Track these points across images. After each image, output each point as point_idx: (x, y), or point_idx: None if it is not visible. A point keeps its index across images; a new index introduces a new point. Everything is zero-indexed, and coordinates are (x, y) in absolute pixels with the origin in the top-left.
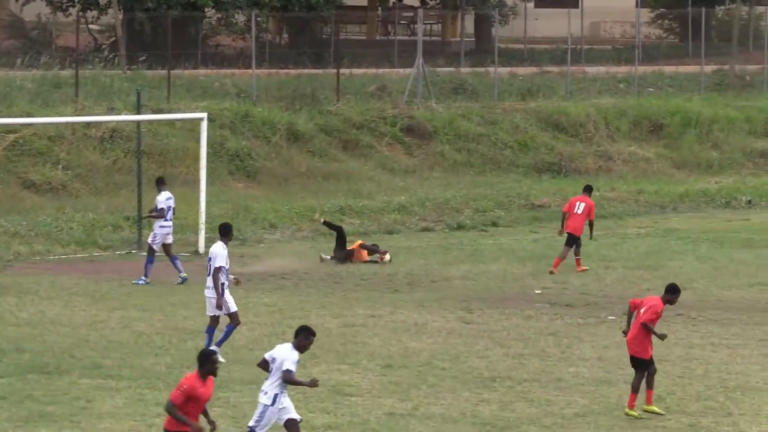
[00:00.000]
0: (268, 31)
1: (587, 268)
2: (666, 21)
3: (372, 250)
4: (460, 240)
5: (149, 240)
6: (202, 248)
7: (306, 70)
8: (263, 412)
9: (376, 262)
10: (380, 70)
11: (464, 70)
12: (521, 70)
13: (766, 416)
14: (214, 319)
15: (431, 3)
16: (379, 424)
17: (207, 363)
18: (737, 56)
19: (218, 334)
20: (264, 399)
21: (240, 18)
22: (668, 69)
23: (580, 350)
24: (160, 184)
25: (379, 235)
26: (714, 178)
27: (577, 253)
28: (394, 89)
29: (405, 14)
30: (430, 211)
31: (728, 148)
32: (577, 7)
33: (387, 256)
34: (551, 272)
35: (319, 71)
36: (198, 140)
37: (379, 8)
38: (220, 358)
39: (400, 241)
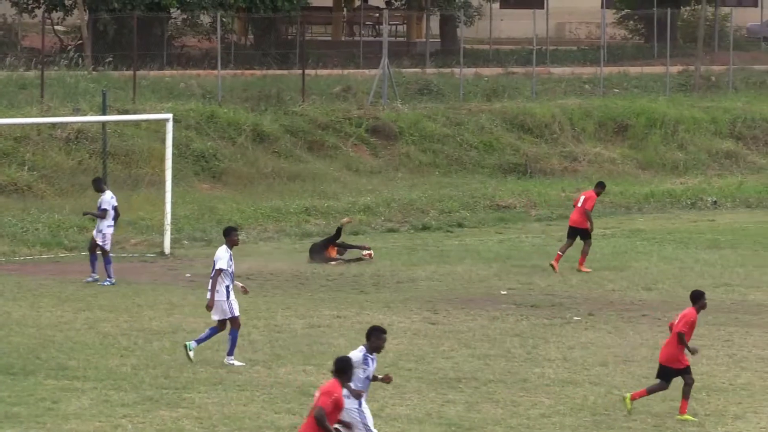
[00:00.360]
0: (234, 31)
1: (589, 270)
2: (631, 22)
3: (351, 247)
4: (426, 241)
5: (100, 242)
6: (167, 249)
7: (271, 71)
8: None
9: (343, 259)
10: (345, 71)
11: (429, 71)
12: (486, 71)
13: (731, 417)
14: (221, 323)
15: (396, 4)
16: None
17: (348, 369)
18: (702, 57)
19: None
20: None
21: (205, 19)
22: (633, 70)
23: (546, 351)
24: (100, 183)
25: (344, 236)
26: (679, 179)
27: (583, 252)
28: (359, 90)
29: (370, 15)
30: (395, 212)
31: (693, 149)
32: (542, 7)
33: (370, 252)
34: (551, 265)
35: (285, 72)
36: (163, 141)
37: (345, 9)
38: (237, 363)
39: (365, 242)
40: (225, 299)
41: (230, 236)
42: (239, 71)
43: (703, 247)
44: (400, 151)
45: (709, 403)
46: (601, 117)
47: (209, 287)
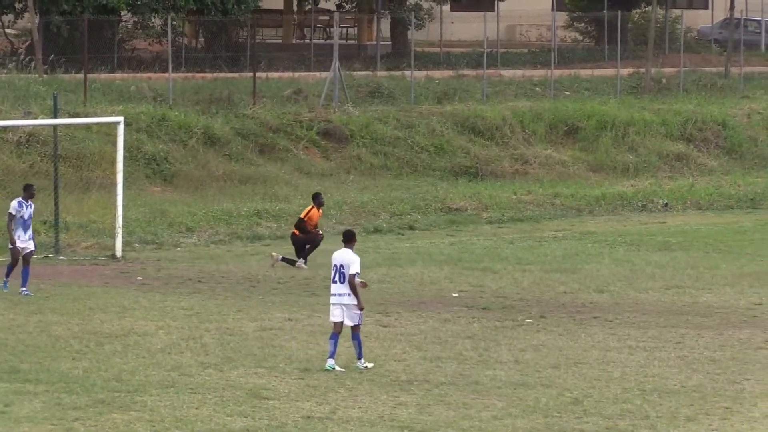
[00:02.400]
0: (184, 34)
1: None
2: (582, 24)
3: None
4: (377, 243)
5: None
6: (119, 252)
7: (222, 74)
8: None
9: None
10: (296, 74)
11: (380, 73)
12: (437, 74)
13: (683, 419)
14: (338, 325)
15: (347, 7)
16: (296, 427)
17: None
18: (653, 59)
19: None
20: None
21: (156, 22)
22: (584, 72)
23: (498, 353)
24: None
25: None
26: (630, 181)
27: None
28: (310, 93)
29: (321, 18)
30: (346, 214)
31: (644, 151)
32: (493, 10)
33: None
34: None
35: (236, 75)
36: (114, 144)
37: (295, 12)
38: (367, 365)
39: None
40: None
41: (353, 239)
42: (190, 74)
43: (654, 249)
44: (351, 153)
45: (660, 405)
46: (551, 119)
47: (355, 292)
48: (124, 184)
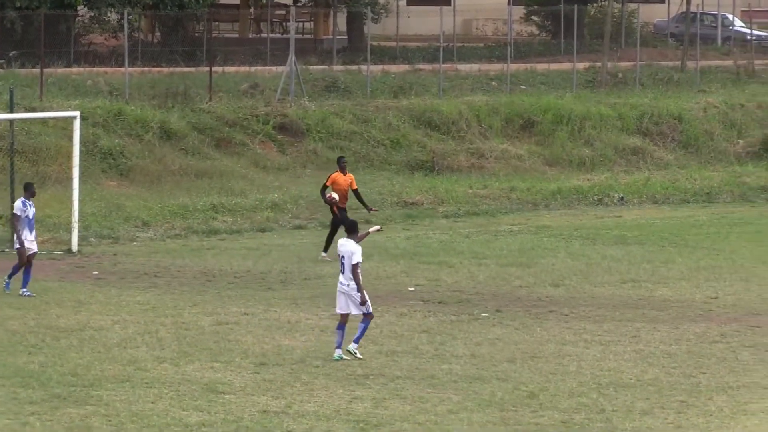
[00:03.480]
0: (141, 29)
1: None
2: (538, 19)
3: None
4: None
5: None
6: (75, 247)
7: (179, 68)
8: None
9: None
10: (253, 68)
11: (337, 68)
12: (394, 68)
13: (638, 412)
14: (344, 317)
15: (303, 1)
16: (252, 421)
17: None
18: (609, 53)
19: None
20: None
21: (113, 16)
22: (540, 66)
23: (453, 347)
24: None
25: (252, 233)
26: (586, 176)
27: None
28: (266, 87)
29: (277, 12)
30: (303, 208)
31: (600, 146)
32: (449, 4)
33: None
34: None
35: (192, 69)
36: (71, 139)
37: (252, 6)
38: (358, 355)
39: (272, 238)
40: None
41: (355, 229)
42: (146, 68)
43: (610, 243)
44: (307, 148)
45: (616, 399)
46: (508, 114)
47: (358, 283)
48: (80, 178)
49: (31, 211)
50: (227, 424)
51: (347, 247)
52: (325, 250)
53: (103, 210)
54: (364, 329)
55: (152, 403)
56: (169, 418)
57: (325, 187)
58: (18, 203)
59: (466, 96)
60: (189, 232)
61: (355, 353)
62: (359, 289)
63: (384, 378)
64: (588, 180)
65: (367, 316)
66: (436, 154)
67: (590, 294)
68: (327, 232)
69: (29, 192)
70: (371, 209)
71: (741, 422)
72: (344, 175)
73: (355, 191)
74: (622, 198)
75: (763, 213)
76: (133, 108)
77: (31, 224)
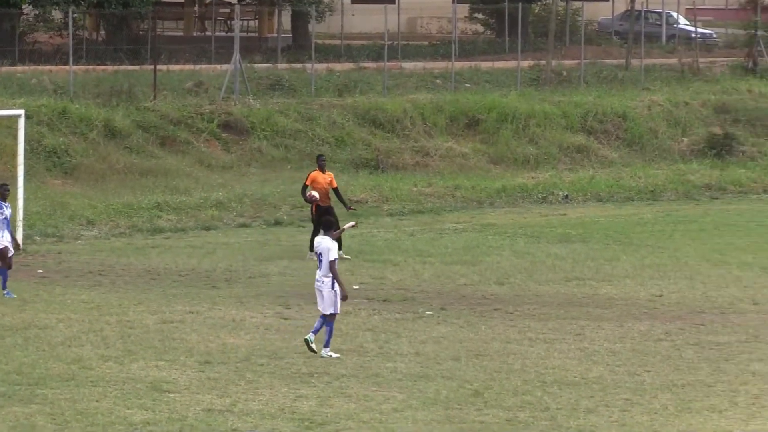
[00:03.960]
0: (86, 27)
1: None
2: (483, 16)
3: None
4: (278, 236)
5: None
6: (19, 245)
7: (123, 67)
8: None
9: None
10: (197, 67)
11: (281, 66)
12: (338, 66)
13: (583, 410)
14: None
15: None
16: (197, 420)
17: None
18: (554, 51)
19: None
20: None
21: (57, 15)
22: (485, 65)
23: (398, 345)
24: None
25: (197, 231)
26: (531, 174)
27: None
28: (211, 85)
29: (222, 10)
30: (247, 207)
31: (545, 144)
32: (393, 3)
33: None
34: None
35: (137, 68)
36: (15, 137)
37: (196, 5)
38: (332, 354)
39: (217, 237)
40: (332, 289)
41: (332, 227)
42: (91, 67)
43: (555, 241)
44: (252, 146)
45: (561, 397)
46: (452, 112)
47: (337, 279)
48: (24, 177)
49: (7, 212)
50: (172, 422)
51: (324, 244)
52: (311, 249)
53: (47, 208)
54: (330, 331)
55: (97, 401)
56: (114, 417)
57: (305, 186)
58: None
59: (411, 94)
60: (134, 231)
61: (330, 355)
62: (338, 284)
63: (329, 376)
64: (532, 178)
65: (329, 318)
66: (381, 152)
67: (535, 292)
68: (267, 230)
69: (2, 193)
70: (350, 208)
71: (685, 420)
72: (323, 173)
73: (335, 189)
74: (566, 196)
75: (707, 211)
76: (77, 106)
77: (8, 226)
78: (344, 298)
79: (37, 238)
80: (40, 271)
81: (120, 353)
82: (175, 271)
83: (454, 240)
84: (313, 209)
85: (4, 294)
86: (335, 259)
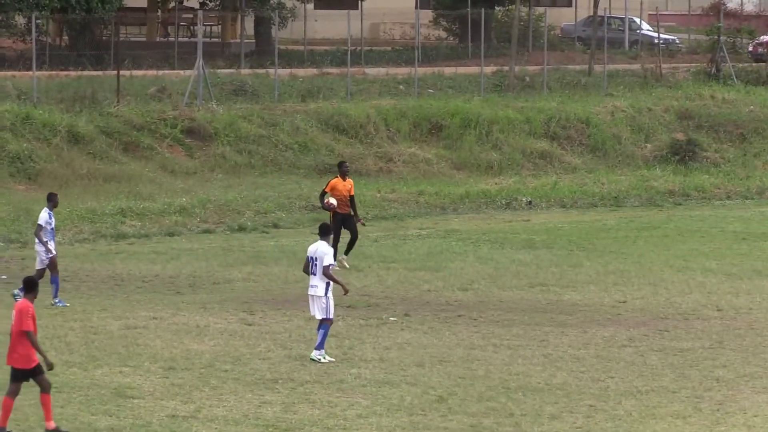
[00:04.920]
0: (49, 33)
1: None
2: (446, 22)
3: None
4: (242, 242)
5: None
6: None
7: (86, 72)
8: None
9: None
10: (160, 72)
11: (244, 71)
12: (301, 72)
13: (547, 417)
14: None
15: (211, 5)
16: (161, 426)
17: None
18: (517, 57)
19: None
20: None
21: (20, 20)
22: (448, 70)
23: (362, 351)
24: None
25: (160, 237)
26: (494, 179)
27: None
28: (174, 91)
29: (185, 16)
30: (211, 212)
31: (508, 149)
32: (356, 8)
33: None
34: None
35: (100, 73)
36: None
37: (159, 10)
38: (323, 359)
39: (181, 243)
40: (326, 296)
41: (327, 233)
42: (54, 72)
43: (519, 247)
44: (215, 152)
45: (525, 403)
46: (415, 117)
47: (335, 281)
48: None
49: (54, 222)
50: (136, 428)
51: (320, 249)
52: (339, 255)
53: (11, 214)
54: (324, 335)
55: (61, 407)
56: (78, 423)
57: (324, 192)
58: (44, 214)
59: (374, 100)
60: (97, 237)
61: (320, 359)
62: (338, 284)
63: (293, 382)
64: (496, 184)
65: (326, 321)
66: (344, 157)
67: (499, 298)
68: (231, 236)
69: (53, 202)
70: (359, 220)
71: (650, 426)
72: (344, 180)
73: (351, 197)
74: (530, 202)
75: (670, 217)
76: (41, 112)
77: (54, 234)
78: (346, 292)
79: (1, 243)
80: (4, 276)
81: (84, 359)
82: (139, 276)
83: (418, 246)
84: (332, 217)
85: (56, 303)
86: (331, 264)
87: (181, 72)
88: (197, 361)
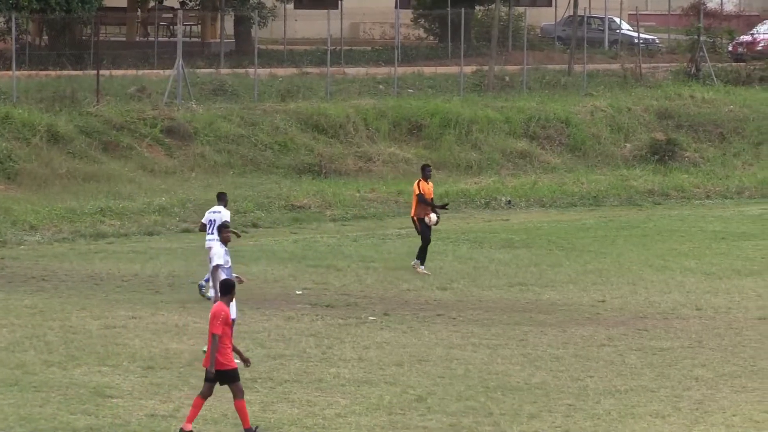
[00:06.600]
0: (29, 32)
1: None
2: (425, 22)
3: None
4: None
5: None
6: None
7: (66, 72)
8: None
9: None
10: (140, 72)
11: (224, 71)
12: (281, 71)
13: (526, 416)
14: None
15: (191, 4)
16: (140, 425)
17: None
18: (496, 57)
19: None
20: None
21: (0, 20)
22: (428, 70)
23: (341, 351)
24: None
25: (140, 237)
26: (473, 179)
27: None
28: (154, 91)
29: (165, 16)
30: (190, 212)
31: (488, 149)
32: (336, 8)
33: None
34: None
35: (80, 73)
36: None
37: (139, 10)
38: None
39: (160, 242)
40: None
41: (222, 233)
42: (34, 72)
43: (498, 247)
44: (195, 151)
45: (504, 402)
46: (395, 117)
47: (212, 284)
48: None
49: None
50: (115, 428)
51: (213, 248)
52: (422, 263)
53: None
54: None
55: (40, 407)
56: (57, 422)
57: (421, 195)
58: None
59: (354, 99)
60: (77, 236)
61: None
62: (214, 290)
63: (272, 382)
64: (475, 183)
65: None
66: (324, 157)
67: (478, 297)
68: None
69: (224, 201)
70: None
71: (629, 425)
72: (427, 183)
73: (431, 200)
74: (509, 201)
75: (650, 216)
76: (20, 111)
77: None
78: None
79: None
80: None
81: (63, 358)
82: (118, 276)
83: (398, 245)
84: (416, 222)
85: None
86: (218, 265)
87: (161, 72)
88: (176, 360)
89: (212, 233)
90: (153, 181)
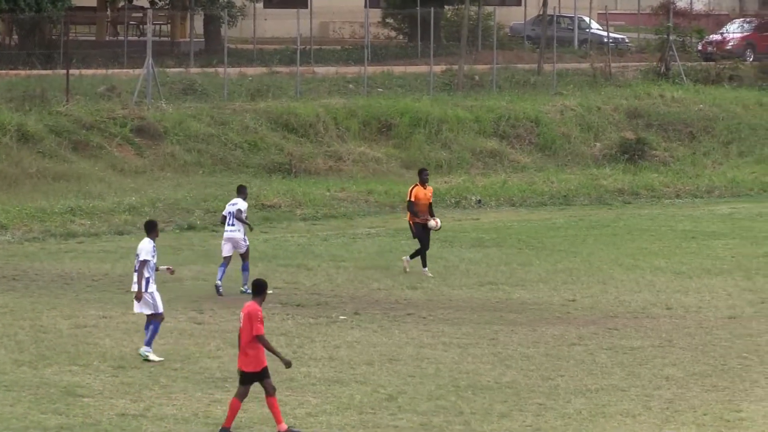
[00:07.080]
0: None
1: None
2: (395, 21)
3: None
4: (191, 240)
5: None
6: None
7: (36, 71)
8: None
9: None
10: (110, 71)
11: (194, 70)
12: (251, 71)
13: (497, 415)
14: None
15: (160, 4)
16: (111, 424)
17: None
18: (466, 56)
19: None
20: None
21: None
22: (397, 69)
23: (312, 350)
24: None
25: (110, 236)
26: (444, 178)
27: None
28: (123, 90)
29: (134, 15)
30: (160, 211)
31: (458, 148)
32: (305, 7)
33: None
34: None
35: (49, 72)
36: None
37: (108, 9)
38: (154, 357)
39: (130, 241)
40: (146, 291)
41: (153, 230)
42: (3, 71)
43: (468, 246)
44: (165, 150)
45: (474, 402)
46: (365, 116)
47: (135, 279)
48: None
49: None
50: (86, 427)
51: (139, 245)
52: (424, 265)
53: None
54: (152, 331)
55: (11, 406)
56: (28, 421)
57: (411, 202)
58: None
59: (323, 99)
60: (47, 235)
61: (148, 355)
62: (138, 285)
63: None
64: (445, 182)
65: (151, 317)
66: (294, 156)
67: (448, 297)
68: (181, 234)
69: (243, 194)
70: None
71: (599, 425)
72: (425, 188)
73: (429, 205)
74: (479, 201)
75: (620, 215)
76: None
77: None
78: (137, 298)
79: None
80: None
81: (34, 358)
82: (89, 275)
83: (368, 245)
84: (413, 226)
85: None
86: (145, 260)
87: (131, 71)
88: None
89: (232, 224)
90: (123, 180)
